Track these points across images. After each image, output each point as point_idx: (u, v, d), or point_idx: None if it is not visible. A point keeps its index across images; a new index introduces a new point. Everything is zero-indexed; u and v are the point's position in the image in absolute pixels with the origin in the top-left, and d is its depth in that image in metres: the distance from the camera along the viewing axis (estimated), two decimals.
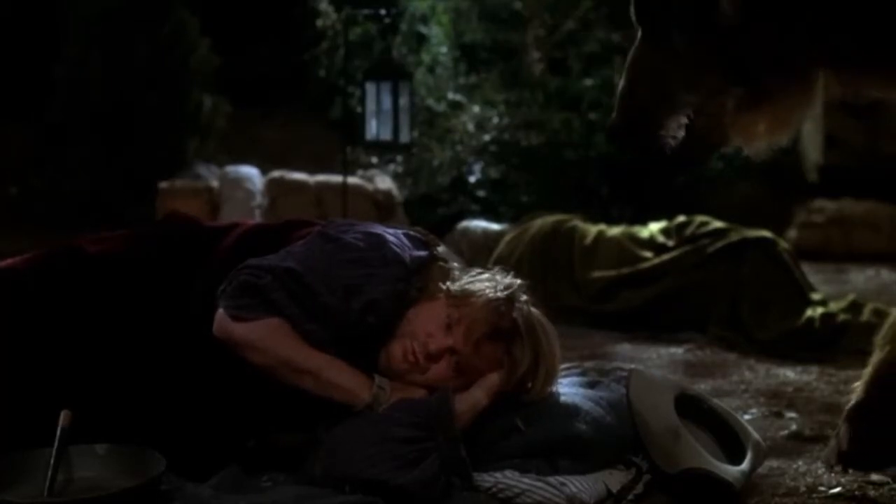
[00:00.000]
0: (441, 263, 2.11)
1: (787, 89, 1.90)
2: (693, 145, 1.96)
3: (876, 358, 2.14)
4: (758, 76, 1.87)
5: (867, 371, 2.16)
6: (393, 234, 2.08)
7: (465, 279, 2.08)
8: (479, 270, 2.14)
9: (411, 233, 2.14)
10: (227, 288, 1.95)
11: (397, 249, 2.03)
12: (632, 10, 1.97)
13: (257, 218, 5.97)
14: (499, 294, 2.03)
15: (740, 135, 1.98)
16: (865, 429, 2.13)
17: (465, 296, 2.03)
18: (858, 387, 2.17)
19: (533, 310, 2.07)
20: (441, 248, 2.14)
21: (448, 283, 2.06)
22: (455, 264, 2.15)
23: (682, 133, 1.94)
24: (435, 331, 2.00)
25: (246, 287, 1.94)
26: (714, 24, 1.83)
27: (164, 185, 6.47)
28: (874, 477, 2.26)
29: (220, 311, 1.94)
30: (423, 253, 2.09)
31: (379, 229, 2.08)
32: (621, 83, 1.99)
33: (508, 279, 2.09)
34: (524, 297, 2.07)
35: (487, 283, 2.07)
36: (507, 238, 4.89)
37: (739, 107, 1.92)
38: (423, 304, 2.03)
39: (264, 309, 1.93)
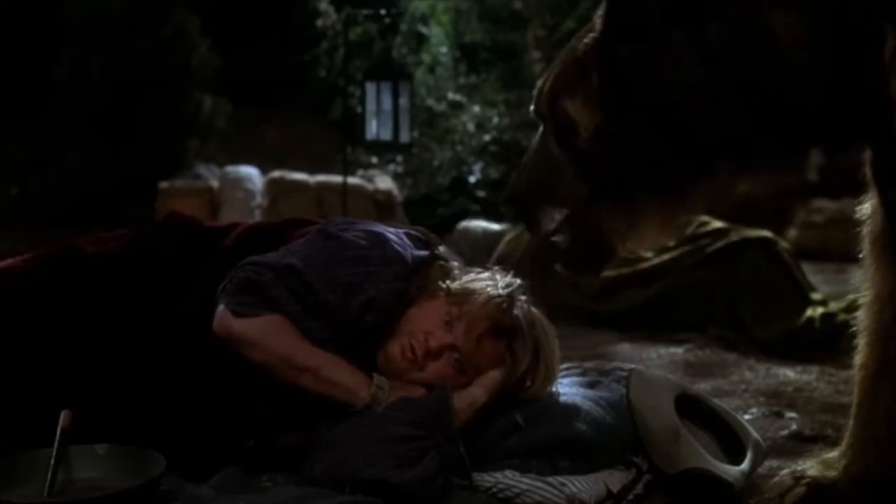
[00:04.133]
0: (441, 263, 2.11)
1: (664, 203, 1.87)
2: (581, 249, 1.97)
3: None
4: (626, 194, 1.86)
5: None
6: (394, 233, 2.07)
7: (466, 278, 2.08)
8: (478, 270, 2.14)
9: (412, 232, 2.14)
10: (227, 285, 1.95)
11: (398, 248, 2.03)
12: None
13: (257, 218, 5.97)
14: (500, 291, 2.03)
15: (618, 240, 1.96)
16: None
17: (466, 294, 2.02)
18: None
19: (533, 308, 2.07)
20: (441, 248, 2.13)
21: (448, 282, 2.05)
22: (455, 263, 2.15)
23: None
24: (434, 328, 1.99)
25: (246, 284, 1.94)
26: (578, 147, 1.86)
27: (164, 185, 6.48)
28: None
29: (221, 307, 1.93)
30: (423, 252, 2.09)
31: (380, 228, 2.08)
32: (528, 152, 2.02)
33: (508, 278, 2.09)
34: (523, 297, 2.07)
35: (488, 281, 2.07)
36: (507, 238, 4.89)
37: (614, 218, 1.91)
38: (422, 303, 2.03)
39: (264, 306, 1.93)
